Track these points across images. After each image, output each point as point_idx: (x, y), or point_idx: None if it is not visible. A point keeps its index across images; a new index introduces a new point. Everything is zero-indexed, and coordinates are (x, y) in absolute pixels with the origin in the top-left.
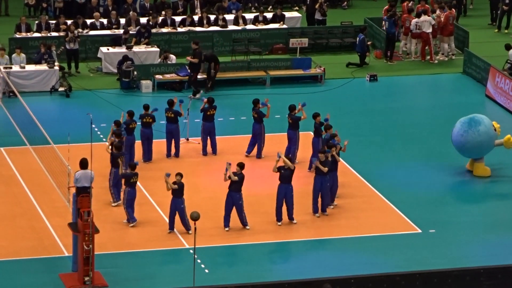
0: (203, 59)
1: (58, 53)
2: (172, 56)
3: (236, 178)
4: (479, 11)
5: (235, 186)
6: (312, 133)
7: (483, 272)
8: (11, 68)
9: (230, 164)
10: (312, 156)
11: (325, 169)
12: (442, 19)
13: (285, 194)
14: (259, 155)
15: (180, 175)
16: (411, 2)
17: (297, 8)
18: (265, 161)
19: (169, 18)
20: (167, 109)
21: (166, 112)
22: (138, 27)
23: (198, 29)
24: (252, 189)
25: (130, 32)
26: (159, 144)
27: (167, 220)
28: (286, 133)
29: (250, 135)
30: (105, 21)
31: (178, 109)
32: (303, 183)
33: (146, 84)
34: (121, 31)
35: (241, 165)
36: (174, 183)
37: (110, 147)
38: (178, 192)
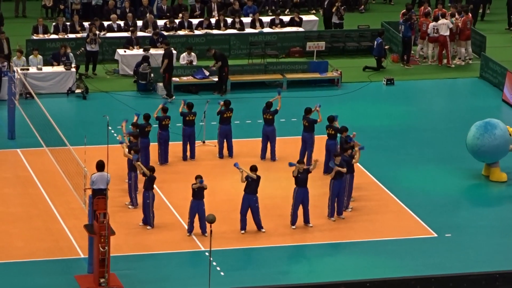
0: (217, 58)
1: (78, 54)
2: (193, 54)
3: (254, 176)
4: (496, 16)
5: (251, 188)
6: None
7: (498, 277)
8: (28, 69)
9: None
10: (329, 159)
11: (344, 170)
12: (460, 23)
13: (302, 198)
14: (273, 158)
15: (200, 177)
16: (427, 6)
17: (314, 11)
18: (279, 163)
19: (186, 21)
20: (187, 112)
21: (187, 116)
22: (151, 35)
23: (215, 31)
24: (267, 192)
25: (146, 34)
26: (173, 147)
27: (183, 223)
28: (301, 136)
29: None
30: (122, 23)
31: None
32: (318, 186)
33: (163, 87)
34: (139, 33)
35: (254, 168)
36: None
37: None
38: (200, 194)
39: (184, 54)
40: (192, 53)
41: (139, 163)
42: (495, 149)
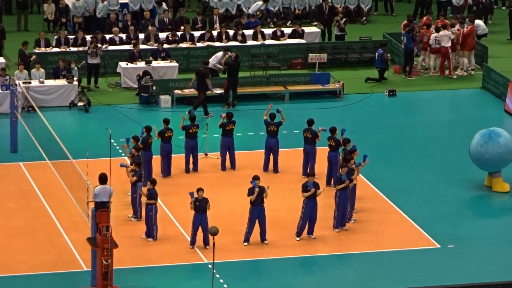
0: (229, 63)
1: (79, 67)
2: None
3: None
4: (498, 27)
5: (259, 200)
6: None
7: (502, 287)
8: (30, 83)
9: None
10: (333, 171)
11: (353, 181)
12: (465, 29)
13: (311, 210)
14: (276, 170)
15: (202, 190)
16: (430, 17)
17: (315, 23)
18: (282, 176)
19: (188, 33)
20: (190, 125)
21: (190, 128)
22: (156, 48)
23: (217, 44)
24: (270, 204)
25: (148, 47)
26: (176, 159)
27: (186, 235)
28: (302, 148)
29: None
30: (124, 36)
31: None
32: (320, 197)
33: (165, 99)
34: (142, 46)
35: (257, 177)
36: (197, 199)
37: (131, 173)
38: (202, 208)
39: (220, 54)
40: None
41: (142, 191)
42: (498, 157)
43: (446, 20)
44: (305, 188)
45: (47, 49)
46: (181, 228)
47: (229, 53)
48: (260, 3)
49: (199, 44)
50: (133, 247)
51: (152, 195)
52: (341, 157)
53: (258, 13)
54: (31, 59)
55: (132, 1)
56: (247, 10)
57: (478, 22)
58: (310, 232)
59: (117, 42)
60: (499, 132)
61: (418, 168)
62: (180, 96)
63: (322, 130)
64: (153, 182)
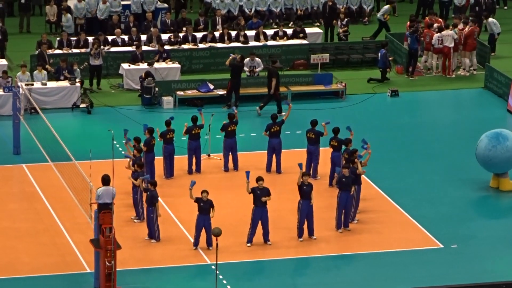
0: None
1: (81, 69)
2: (257, 59)
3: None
4: (501, 26)
5: (261, 201)
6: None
7: (505, 287)
8: (32, 85)
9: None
10: (334, 172)
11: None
12: (467, 29)
13: (307, 211)
14: (278, 170)
15: (206, 192)
16: (432, 17)
17: (318, 23)
18: (285, 176)
19: (190, 35)
20: (193, 126)
21: (192, 129)
22: (157, 48)
23: (219, 45)
24: (273, 205)
25: (150, 48)
26: (179, 160)
27: (189, 237)
28: (306, 149)
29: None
30: (126, 37)
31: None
32: (323, 198)
33: (168, 101)
34: (144, 48)
35: (260, 178)
36: (201, 200)
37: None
38: (206, 209)
39: (247, 59)
40: (256, 58)
41: (139, 181)
42: (506, 160)
43: (439, 19)
44: (300, 188)
45: (49, 50)
46: (184, 229)
47: (232, 55)
48: (387, 6)
49: (201, 45)
50: (136, 248)
51: (153, 196)
52: (343, 158)
53: (385, 16)
54: (47, 65)
55: (135, 2)
56: (249, 11)
57: (493, 20)
58: (311, 233)
59: (119, 44)
60: (506, 135)
61: (421, 168)
62: (182, 97)
63: (326, 124)
64: (154, 184)
